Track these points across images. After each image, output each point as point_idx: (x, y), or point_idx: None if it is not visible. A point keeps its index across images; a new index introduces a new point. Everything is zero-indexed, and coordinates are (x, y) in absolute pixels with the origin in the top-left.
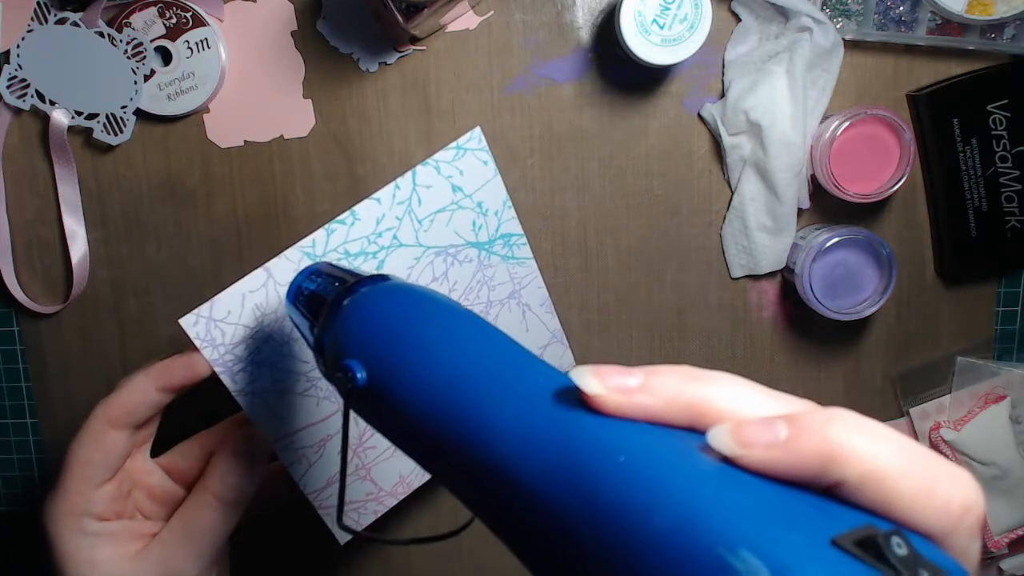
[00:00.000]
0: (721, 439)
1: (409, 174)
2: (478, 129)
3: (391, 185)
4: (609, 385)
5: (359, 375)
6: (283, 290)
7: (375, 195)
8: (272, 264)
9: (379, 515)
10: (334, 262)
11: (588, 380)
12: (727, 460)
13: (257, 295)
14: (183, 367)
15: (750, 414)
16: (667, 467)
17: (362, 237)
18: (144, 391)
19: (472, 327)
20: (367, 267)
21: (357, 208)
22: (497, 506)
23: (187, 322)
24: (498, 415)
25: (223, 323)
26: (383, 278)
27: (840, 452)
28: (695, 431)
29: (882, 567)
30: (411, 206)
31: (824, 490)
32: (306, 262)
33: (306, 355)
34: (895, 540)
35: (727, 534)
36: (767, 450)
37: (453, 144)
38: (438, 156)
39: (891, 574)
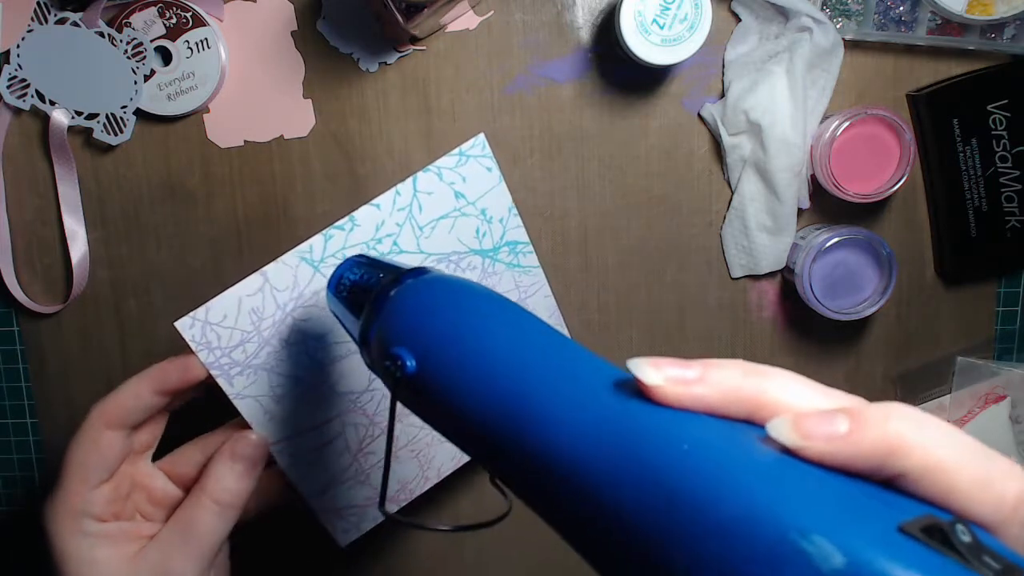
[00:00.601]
0: (782, 430)
1: (410, 180)
2: (482, 136)
3: (391, 191)
4: (667, 376)
5: (409, 363)
6: (280, 295)
7: (375, 201)
8: (269, 269)
9: (379, 521)
10: (372, 255)
11: (647, 371)
12: (787, 451)
13: (254, 299)
14: (179, 370)
15: (805, 408)
16: (731, 456)
17: (361, 243)
18: (139, 394)
19: (521, 318)
20: None
21: (356, 214)
22: (551, 494)
23: (183, 325)
24: (554, 404)
25: (219, 327)
26: (425, 270)
27: (902, 445)
28: (750, 423)
29: (950, 553)
30: (412, 212)
31: (881, 481)
32: (304, 267)
33: (304, 360)
34: (960, 528)
35: (798, 520)
36: (828, 442)
37: (456, 150)
38: (440, 162)
39: (959, 559)
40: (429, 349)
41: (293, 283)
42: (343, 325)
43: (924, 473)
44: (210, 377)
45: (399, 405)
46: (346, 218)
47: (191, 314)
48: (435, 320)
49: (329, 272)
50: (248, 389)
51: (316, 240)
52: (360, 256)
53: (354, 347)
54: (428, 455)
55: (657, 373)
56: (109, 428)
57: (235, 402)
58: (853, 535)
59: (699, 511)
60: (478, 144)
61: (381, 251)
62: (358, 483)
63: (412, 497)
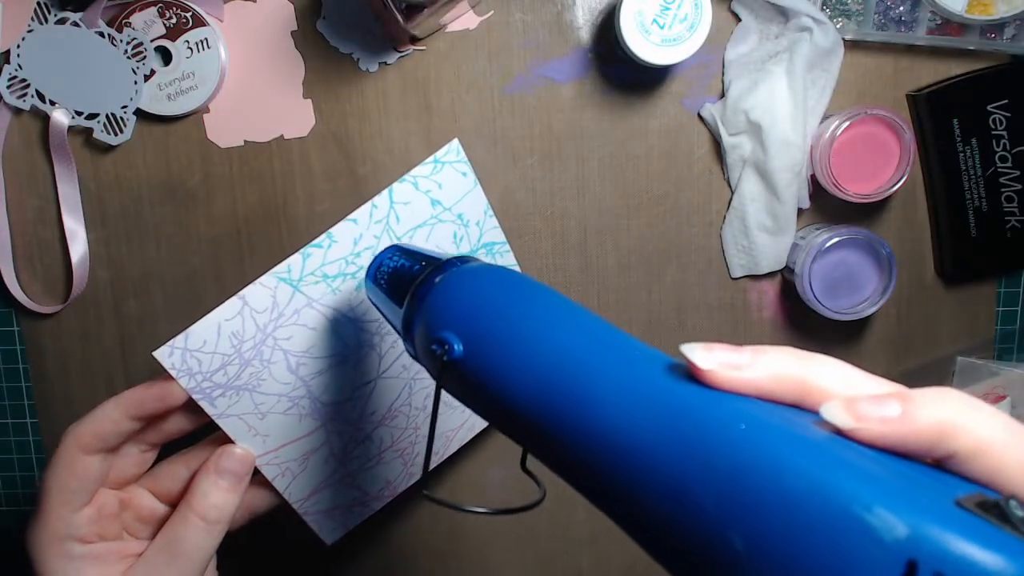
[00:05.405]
0: (836, 412)
1: (386, 192)
2: (456, 141)
3: (367, 205)
4: (720, 360)
5: (456, 347)
6: (259, 317)
7: (351, 216)
8: (247, 291)
9: (365, 517)
10: (407, 245)
11: (700, 354)
12: (840, 433)
13: (233, 323)
14: (156, 398)
15: (853, 393)
16: (789, 434)
17: (340, 259)
18: (115, 419)
19: (567, 305)
20: (346, 287)
21: (333, 230)
22: (603, 475)
23: (162, 354)
24: (607, 388)
25: (199, 352)
26: (468, 259)
27: (953, 426)
28: (799, 408)
29: (1006, 526)
30: (389, 224)
31: (930, 463)
32: (283, 287)
33: (287, 376)
34: (1014, 503)
35: (859, 493)
36: (882, 423)
37: (431, 159)
38: (416, 172)
39: (1015, 532)
40: (477, 333)
41: (272, 304)
42: (382, 313)
43: (973, 454)
44: (191, 401)
45: (336, 411)
46: (324, 235)
47: (170, 343)
48: (482, 304)
49: (310, 291)
50: (231, 408)
51: (294, 259)
52: (396, 246)
53: (337, 358)
54: (411, 453)
55: (710, 356)
56: (85, 453)
57: (219, 422)
58: (914, 508)
59: (761, 486)
60: (452, 150)
61: (360, 264)
62: (344, 486)
63: (395, 494)
